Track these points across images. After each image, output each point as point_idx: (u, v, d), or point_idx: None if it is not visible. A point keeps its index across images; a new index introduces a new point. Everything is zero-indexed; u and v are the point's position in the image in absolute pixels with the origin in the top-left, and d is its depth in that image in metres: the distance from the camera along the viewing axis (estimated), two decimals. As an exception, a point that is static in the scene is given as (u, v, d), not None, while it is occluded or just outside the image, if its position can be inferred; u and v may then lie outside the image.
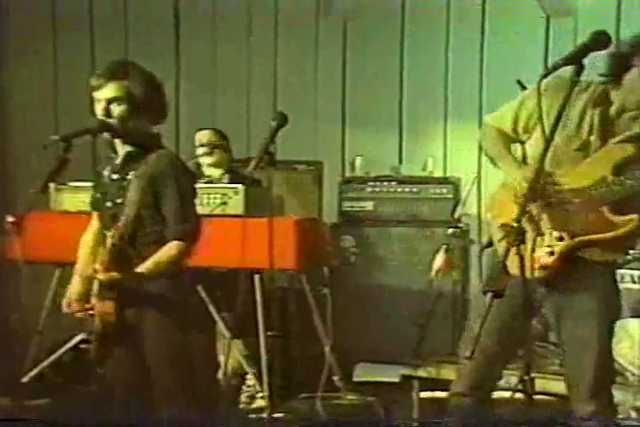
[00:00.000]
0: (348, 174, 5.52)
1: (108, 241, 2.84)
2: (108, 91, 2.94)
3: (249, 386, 4.34)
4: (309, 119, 5.76)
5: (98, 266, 2.82)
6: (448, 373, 4.45)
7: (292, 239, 4.08)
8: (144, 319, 2.92)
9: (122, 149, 3.02)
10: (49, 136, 2.89)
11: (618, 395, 3.83)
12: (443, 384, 4.52)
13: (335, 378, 4.32)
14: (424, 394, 4.49)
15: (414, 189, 5.27)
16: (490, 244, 3.09)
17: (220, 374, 4.26)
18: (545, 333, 4.67)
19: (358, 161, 5.44)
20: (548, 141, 2.55)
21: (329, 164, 5.56)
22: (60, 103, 5.86)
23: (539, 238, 2.89)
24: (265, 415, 3.80)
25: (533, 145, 3.01)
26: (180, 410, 2.93)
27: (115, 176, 3.00)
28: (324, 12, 5.84)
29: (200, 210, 3.20)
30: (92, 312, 2.88)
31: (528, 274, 2.57)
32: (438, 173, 5.43)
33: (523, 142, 3.06)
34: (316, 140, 5.82)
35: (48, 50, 5.93)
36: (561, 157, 2.94)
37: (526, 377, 2.62)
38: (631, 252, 4.46)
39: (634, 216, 2.87)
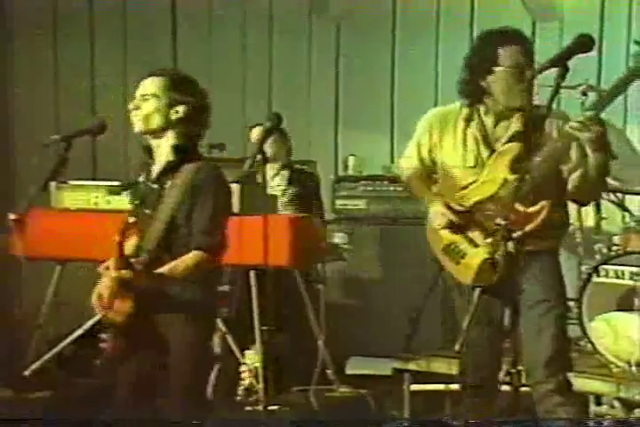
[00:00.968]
0: (340, 173, 5.53)
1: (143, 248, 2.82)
2: (143, 88, 2.94)
3: (244, 379, 4.34)
4: (303, 120, 5.77)
5: (110, 263, 2.80)
6: (438, 366, 4.46)
7: (287, 236, 4.09)
8: (165, 321, 2.87)
9: (161, 156, 2.97)
10: (49, 135, 2.89)
11: (602, 387, 3.88)
12: (433, 377, 4.56)
13: (328, 371, 4.33)
14: (415, 387, 4.50)
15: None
16: None
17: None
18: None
19: (351, 160, 5.46)
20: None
21: (322, 163, 5.56)
22: (61, 102, 5.85)
23: (476, 250, 3.06)
24: (260, 408, 3.81)
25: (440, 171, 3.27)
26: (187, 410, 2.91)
27: (154, 186, 2.94)
28: (317, 13, 5.86)
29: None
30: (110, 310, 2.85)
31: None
32: (428, 173, 5.43)
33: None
34: (310, 140, 5.83)
35: (49, 49, 5.92)
36: (464, 176, 3.16)
37: (513, 370, 2.65)
38: (614, 248, 4.50)
39: (544, 203, 2.95)
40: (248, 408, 3.87)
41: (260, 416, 3.74)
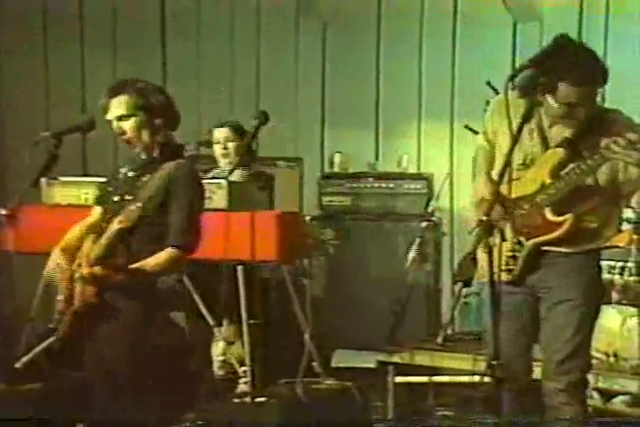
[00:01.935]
0: (327, 170, 5.53)
1: (114, 226, 2.82)
2: (113, 110, 2.96)
3: (232, 372, 4.34)
4: (290, 118, 5.77)
5: (82, 261, 2.83)
6: (422, 359, 4.48)
7: (274, 232, 4.09)
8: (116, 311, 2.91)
9: (146, 151, 3.02)
10: (40, 132, 2.88)
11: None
12: (416, 370, 4.57)
13: (314, 364, 4.33)
14: (399, 379, 4.52)
15: (390, 185, 5.29)
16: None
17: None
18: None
19: (337, 158, 5.46)
20: (507, 160, 2.70)
21: (309, 160, 5.56)
22: (51, 100, 5.81)
23: (503, 244, 2.95)
24: (248, 399, 3.81)
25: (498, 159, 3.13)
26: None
27: (131, 173, 3.00)
28: (305, 13, 5.85)
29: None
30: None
31: (496, 277, 2.66)
32: (412, 170, 5.45)
33: None
34: (297, 138, 5.83)
35: (39, 47, 5.89)
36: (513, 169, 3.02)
37: (494, 362, 2.65)
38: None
39: (568, 216, 2.93)
40: (236, 400, 3.86)
41: (248, 408, 3.74)
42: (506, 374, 2.90)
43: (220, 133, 4.61)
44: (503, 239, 2.98)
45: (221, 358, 4.42)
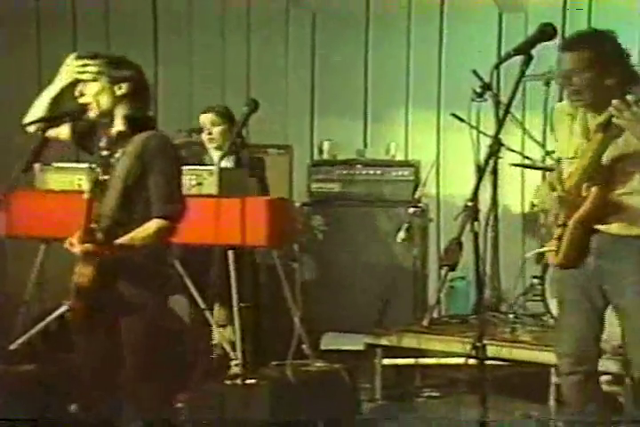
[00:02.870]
0: (316, 158, 5.52)
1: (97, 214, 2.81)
2: (90, 87, 2.93)
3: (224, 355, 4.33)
4: (280, 105, 5.74)
5: (74, 239, 2.81)
6: (408, 341, 4.49)
7: (264, 217, 4.08)
8: (121, 290, 2.89)
9: (114, 128, 2.97)
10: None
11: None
12: (403, 352, 4.58)
13: (304, 347, 4.33)
14: (386, 361, 4.53)
15: (378, 172, 5.28)
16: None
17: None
18: (497, 303, 4.73)
19: (326, 145, 5.44)
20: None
21: (298, 147, 5.55)
22: (43, 86, 5.75)
23: (559, 229, 3.05)
24: (238, 381, 3.81)
25: None
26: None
27: (104, 153, 2.95)
28: (294, 3, 5.82)
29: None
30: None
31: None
32: (400, 157, 5.43)
33: None
34: (287, 126, 5.80)
35: (32, 41, 5.84)
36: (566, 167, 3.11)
37: (478, 344, 2.65)
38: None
39: (593, 189, 2.95)
40: (227, 382, 3.86)
41: (239, 390, 3.74)
42: (574, 358, 3.04)
43: (206, 119, 4.59)
44: (560, 225, 3.04)
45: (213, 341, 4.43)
